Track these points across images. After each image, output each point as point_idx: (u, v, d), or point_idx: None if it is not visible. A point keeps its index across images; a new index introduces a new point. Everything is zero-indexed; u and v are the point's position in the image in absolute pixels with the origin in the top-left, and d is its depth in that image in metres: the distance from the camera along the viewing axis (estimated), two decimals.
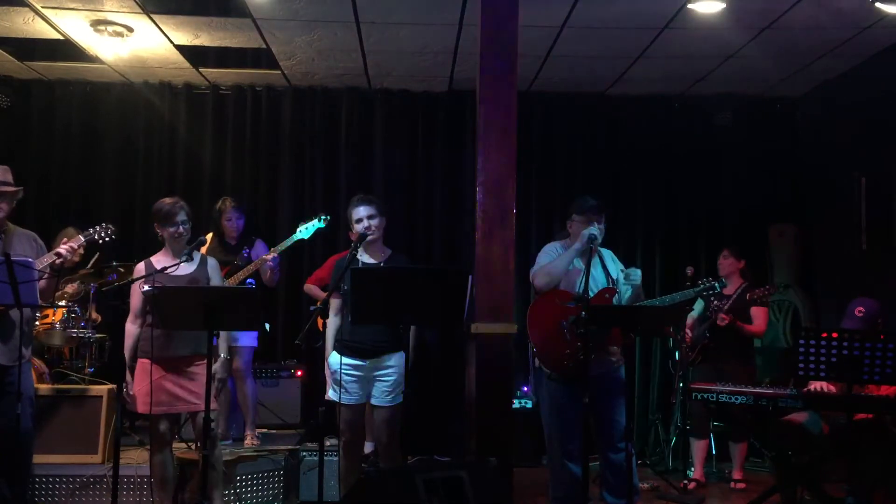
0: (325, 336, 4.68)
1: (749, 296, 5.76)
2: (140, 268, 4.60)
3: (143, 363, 4.45)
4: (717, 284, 4.91)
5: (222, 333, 4.64)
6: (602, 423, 4.53)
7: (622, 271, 4.66)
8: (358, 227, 4.59)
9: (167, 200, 4.62)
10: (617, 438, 4.47)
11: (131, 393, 4.44)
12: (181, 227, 4.55)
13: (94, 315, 6.14)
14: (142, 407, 4.43)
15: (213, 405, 4.54)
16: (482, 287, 4.85)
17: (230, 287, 4.52)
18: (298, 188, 7.46)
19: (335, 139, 7.52)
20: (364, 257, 4.62)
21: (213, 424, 4.57)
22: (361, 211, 4.60)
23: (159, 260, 4.60)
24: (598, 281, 4.60)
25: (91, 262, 6.15)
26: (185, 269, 4.57)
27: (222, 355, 4.67)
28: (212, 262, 4.72)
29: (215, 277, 4.67)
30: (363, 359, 4.53)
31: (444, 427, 6.82)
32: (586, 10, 5.62)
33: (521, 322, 4.96)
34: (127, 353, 4.48)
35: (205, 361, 4.47)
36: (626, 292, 4.63)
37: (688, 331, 6.04)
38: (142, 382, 4.43)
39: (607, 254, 4.78)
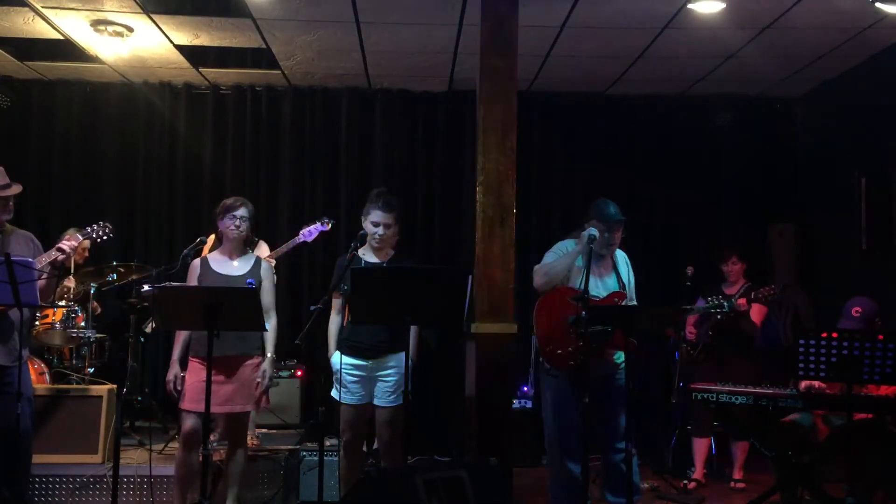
0: (328, 335, 4.68)
1: (754, 294, 5.75)
2: (195, 264, 4.65)
3: (192, 362, 4.50)
4: (725, 304, 5.10)
5: (270, 335, 4.66)
6: (604, 423, 4.53)
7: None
8: (369, 228, 4.55)
9: (232, 197, 4.70)
10: (618, 439, 4.47)
11: (174, 390, 4.48)
12: (238, 221, 4.57)
13: (94, 304, 6.13)
14: (185, 404, 4.47)
15: (251, 407, 4.61)
16: (482, 287, 4.85)
17: (230, 287, 4.52)
18: (298, 188, 7.46)
19: (335, 139, 7.52)
20: (368, 257, 4.62)
21: (239, 426, 4.64)
22: (379, 216, 4.53)
23: (216, 258, 4.64)
24: (608, 285, 4.59)
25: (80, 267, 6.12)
26: (238, 269, 4.61)
27: (269, 354, 4.67)
28: (265, 265, 4.76)
29: (267, 282, 4.70)
30: (365, 359, 4.53)
31: (444, 427, 6.82)
32: (586, 10, 5.62)
33: (521, 322, 4.96)
34: (176, 348, 4.53)
35: (253, 361, 4.57)
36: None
37: (692, 328, 6.04)
38: (189, 381, 4.48)
39: (621, 257, 4.75)
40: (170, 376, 4.52)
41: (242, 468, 4.73)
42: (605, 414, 4.49)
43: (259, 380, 4.57)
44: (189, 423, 4.48)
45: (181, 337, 4.56)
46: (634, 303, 4.72)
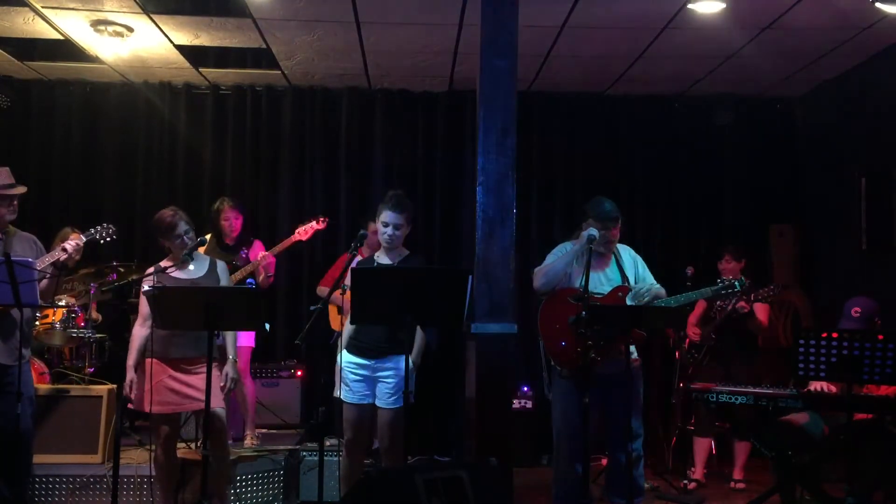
0: (342, 333, 4.67)
1: (754, 295, 5.75)
2: (149, 271, 4.64)
3: (148, 363, 4.48)
4: (737, 283, 4.85)
5: (228, 336, 4.65)
6: (611, 423, 4.53)
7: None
8: (380, 229, 4.54)
9: (166, 213, 4.62)
10: (626, 439, 4.46)
11: (131, 395, 4.47)
12: (185, 238, 4.56)
13: (95, 315, 6.14)
14: (147, 406, 4.46)
15: (220, 403, 4.57)
16: (482, 287, 4.85)
17: (230, 287, 4.52)
18: (298, 188, 7.46)
19: (335, 139, 7.51)
20: (381, 258, 4.62)
21: (216, 424, 4.60)
22: (389, 216, 4.49)
23: (167, 265, 4.63)
24: (612, 279, 4.61)
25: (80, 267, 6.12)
26: (195, 272, 4.60)
27: (231, 357, 4.67)
28: (221, 266, 4.74)
29: (224, 281, 4.69)
30: (367, 358, 4.53)
31: (444, 427, 6.82)
32: (586, 10, 5.62)
33: (521, 322, 4.96)
34: (132, 355, 4.51)
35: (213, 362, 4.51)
36: (643, 289, 4.61)
37: (695, 328, 6.04)
38: (147, 382, 4.46)
39: (625, 251, 4.77)
40: (127, 382, 4.49)
41: (228, 464, 4.72)
42: (613, 413, 4.49)
43: (222, 384, 4.58)
44: (164, 425, 4.49)
45: (136, 343, 4.53)
46: (657, 286, 4.64)
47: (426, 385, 6.56)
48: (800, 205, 7.47)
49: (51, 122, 7.37)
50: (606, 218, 4.57)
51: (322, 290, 6.28)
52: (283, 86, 7.46)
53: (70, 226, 6.03)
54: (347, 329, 4.60)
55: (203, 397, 4.41)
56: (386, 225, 4.51)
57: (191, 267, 4.62)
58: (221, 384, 4.59)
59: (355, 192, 7.34)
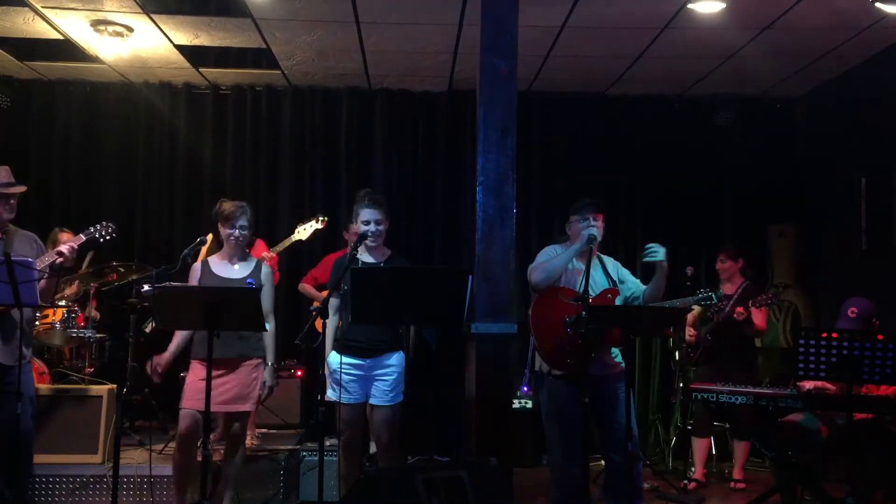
0: (325, 336, 4.68)
1: (751, 302, 5.75)
2: (196, 267, 4.68)
3: (193, 363, 4.55)
4: (713, 295, 4.92)
5: (268, 339, 4.67)
6: (604, 424, 4.53)
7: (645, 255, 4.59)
8: (361, 228, 4.58)
9: (230, 203, 4.68)
10: (619, 440, 4.46)
11: (158, 369, 4.55)
12: (237, 231, 4.60)
13: (94, 312, 6.14)
14: (183, 402, 4.50)
15: (250, 406, 4.65)
16: (482, 287, 4.85)
17: (230, 287, 4.52)
18: (298, 188, 7.47)
19: (335, 139, 7.52)
20: (364, 257, 4.62)
21: (237, 427, 4.67)
22: (369, 214, 4.55)
23: (216, 261, 4.68)
24: (598, 282, 4.61)
25: (86, 262, 6.13)
26: (238, 272, 4.64)
27: (270, 363, 4.70)
28: (266, 271, 4.77)
29: (267, 285, 4.72)
30: (362, 358, 4.53)
31: (444, 427, 6.82)
32: (586, 10, 5.63)
33: (521, 322, 4.96)
34: (174, 342, 4.58)
35: (251, 361, 4.60)
36: (633, 288, 4.65)
37: (690, 328, 6.04)
38: (189, 380, 4.51)
39: (609, 260, 4.79)
40: (157, 359, 4.57)
41: (239, 469, 4.74)
42: (605, 414, 4.50)
43: (260, 391, 4.63)
44: (186, 421, 4.49)
45: (179, 336, 4.60)
46: (642, 289, 4.69)
47: (426, 385, 6.59)
48: (800, 205, 7.47)
49: (51, 122, 7.37)
50: (590, 209, 4.59)
51: (304, 287, 6.36)
52: (283, 86, 7.46)
53: (62, 226, 6.04)
54: (332, 330, 4.60)
55: (241, 401, 4.53)
56: (367, 223, 4.55)
57: (236, 266, 4.67)
58: (259, 390, 4.63)
59: (355, 192, 7.29)
